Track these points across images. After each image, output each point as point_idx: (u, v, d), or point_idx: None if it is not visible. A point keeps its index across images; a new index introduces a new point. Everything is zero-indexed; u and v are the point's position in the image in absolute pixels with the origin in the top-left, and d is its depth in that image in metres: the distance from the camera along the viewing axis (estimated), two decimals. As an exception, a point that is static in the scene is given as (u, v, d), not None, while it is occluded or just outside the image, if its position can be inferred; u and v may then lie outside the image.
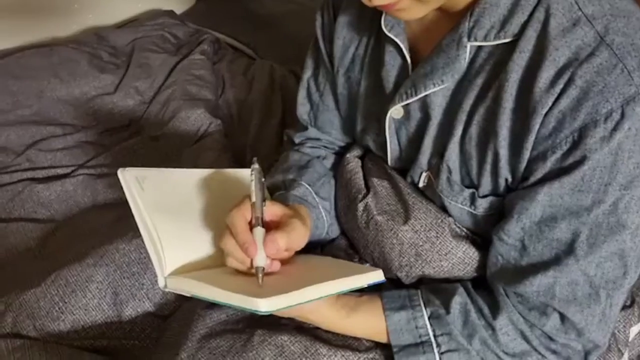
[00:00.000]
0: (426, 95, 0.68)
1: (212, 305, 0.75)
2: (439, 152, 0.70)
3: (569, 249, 0.62)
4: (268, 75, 1.32)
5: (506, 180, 0.65)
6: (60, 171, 1.11)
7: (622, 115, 0.56)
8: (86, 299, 0.76)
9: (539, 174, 0.62)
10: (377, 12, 0.67)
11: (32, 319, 0.76)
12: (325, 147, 0.91)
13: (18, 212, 1.00)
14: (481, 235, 0.74)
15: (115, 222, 0.91)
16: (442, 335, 0.68)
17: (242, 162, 1.12)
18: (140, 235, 0.75)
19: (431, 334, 0.68)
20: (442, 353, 0.67)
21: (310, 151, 0.90)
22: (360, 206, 0.78)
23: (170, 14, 1.64)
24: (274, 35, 1.48)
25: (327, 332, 0.72)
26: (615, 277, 0.63)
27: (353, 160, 0.85)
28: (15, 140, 1.17)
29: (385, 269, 0.76)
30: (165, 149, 1.14)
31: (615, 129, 0.57)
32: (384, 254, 0.76)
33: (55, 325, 0.75)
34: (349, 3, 0.78)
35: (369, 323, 0.71)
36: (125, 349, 0.77)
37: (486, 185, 0.67)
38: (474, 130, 0.65)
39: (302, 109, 0.89)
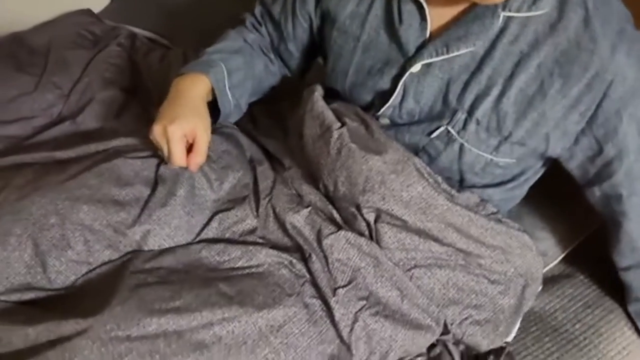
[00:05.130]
0: (455, 57, 0.84)
1: (150, 259, 0.87)
2: (467, 109, 0.86)
3: None
4: (182, 62, 1.43)
5: (547, 134, 0.84)
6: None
7: None
8: (7, 251, 0.84)
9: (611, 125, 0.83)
10: None
11: (-44, 280, 0.82)
12: (263, 48, 1.09)
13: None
14: (469, 186, 0.94)
15: (28, 182, 0.98)
16: None
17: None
18: (54, 190, 0.87)
19: None
20: None
21: (251, 38, 1.07)
22: (335, 134, 0.91)
23: (87, 12, 1.73)
24: (187, 24, 1.61)
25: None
26: None
27: (320, 99, 0.98)
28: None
29: (348, 194, 0.89)
30: (85, 129, 1.24)
31: None
32: (351, 178, 0.89)
33: (-20, 282, 0.82)
34: None
35: None
36: (52, 299, 0.85)
37: (519, 135, 0.85)
38: (512, 92, 0.82)
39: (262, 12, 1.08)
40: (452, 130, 0.88)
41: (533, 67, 0.81)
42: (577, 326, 1.06)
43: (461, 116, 0.87)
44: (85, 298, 0.84)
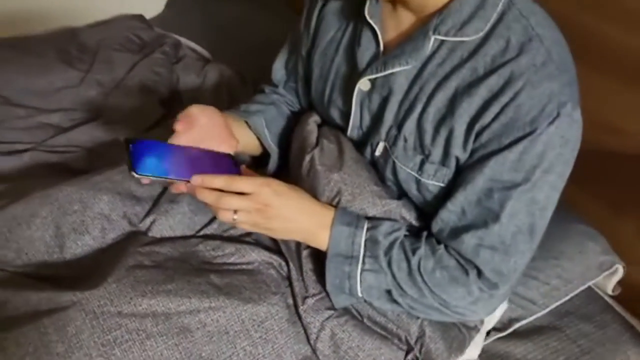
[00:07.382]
0: (391, 75, 0.93)
1: (150, 243, 0.96)
2: (397, 125, 0.95)
3: (496, 217, 0.86)
4: (218, 76, 1.58)
5: (456, 154, 0.89)
6: (19, 147, 1.29)
7: (558, 114, 0.82)
8: (30, 230, 0.94)
9: (490, 148, 0.85)
10: (361, 4, 0.95)
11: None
12: (287, 103, 1.20)
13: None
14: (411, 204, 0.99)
15: (60, 175, 1.10)
16: (370, 257, 0.90)
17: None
18: (82, 182, 0.97)
19: (362, 253, 0.90)
20: (364, 270, 0.90)
21: (275, 98, 1.19)
22: (307, 157, 1.01)
23: (139, 18, 1.89)
24: (228, 40, 1.75)
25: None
26: (524, 249, 0.88)
27: (312, 123, 1.09)
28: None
29: None
30: (120, 134, 1.35)
31: (552, 123, 0.82)
32: (316, 197, 0.97)
33: (2, 253, 0.93)
34: None
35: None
36: (65, 276, 0.94)
37: (437, 154, 0.92)
38: (431, 110, 0.90)
39: (278, 73, 1.19)
40: (387, 146, 0.97)
41: (451, 88, 0.87)
42: (556, 380, 1.11)
43: (393, 132, 0.95)
44: (88, 274, 0.93)
